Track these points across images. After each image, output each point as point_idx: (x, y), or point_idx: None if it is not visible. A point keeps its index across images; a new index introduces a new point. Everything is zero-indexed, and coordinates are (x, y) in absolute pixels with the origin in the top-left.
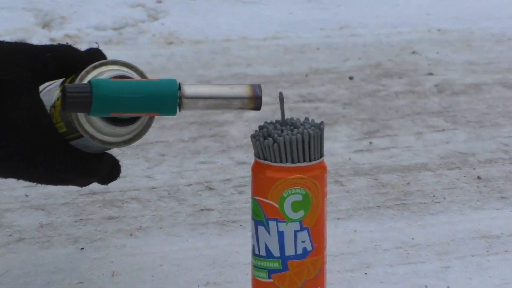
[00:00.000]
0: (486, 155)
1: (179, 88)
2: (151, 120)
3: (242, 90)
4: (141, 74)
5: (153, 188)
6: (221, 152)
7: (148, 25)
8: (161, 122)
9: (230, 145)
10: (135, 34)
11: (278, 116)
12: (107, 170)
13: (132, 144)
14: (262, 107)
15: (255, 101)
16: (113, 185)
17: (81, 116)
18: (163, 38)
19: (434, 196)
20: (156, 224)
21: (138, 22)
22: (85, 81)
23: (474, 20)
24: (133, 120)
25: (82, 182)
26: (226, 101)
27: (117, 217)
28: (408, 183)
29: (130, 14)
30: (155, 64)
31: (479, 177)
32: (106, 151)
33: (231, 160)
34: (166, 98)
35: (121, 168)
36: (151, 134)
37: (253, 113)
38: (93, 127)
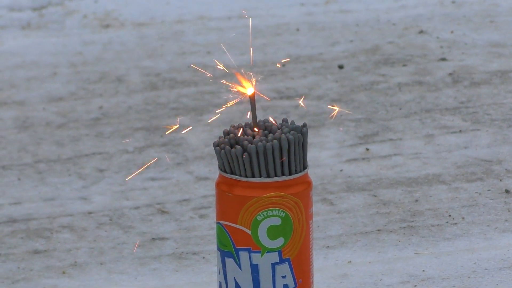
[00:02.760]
0: None
1: None
2: None
3: None
4: None
5: (90, 213)
6: (176, 165)
7: (77, 3)
8: (98, 128)
9: (187, 156)
10: (60, 16)
11: (248, 118)
12: None
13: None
14: (226, 108)
15: None
16: (39, 210)
17: None
18: (97, 20)
19: (449, 216)
20: (95, 259)
21: None
22: None
23: None
24: None
25: None
26: None
27: (45, 250)
28: (417, 200)
29: None
30: (88, 55)
31: (507, 191)
32: None
33: (189, 175)
34: None
35: (49, 187)
36: (86, 143)
37: (215, 115)
38: None
